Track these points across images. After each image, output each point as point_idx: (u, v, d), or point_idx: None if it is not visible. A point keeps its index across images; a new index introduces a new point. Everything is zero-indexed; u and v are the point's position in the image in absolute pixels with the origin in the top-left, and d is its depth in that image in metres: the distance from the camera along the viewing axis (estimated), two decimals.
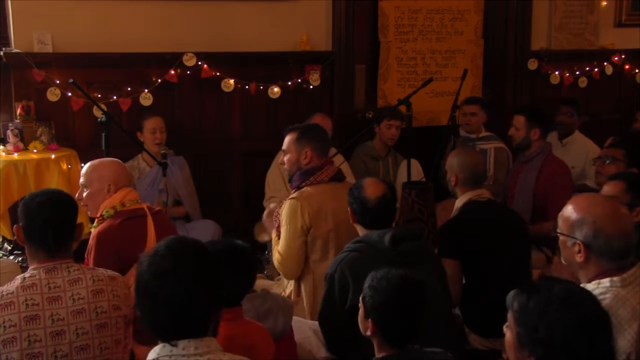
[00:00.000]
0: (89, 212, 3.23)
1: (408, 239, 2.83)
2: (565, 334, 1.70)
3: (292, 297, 3.43)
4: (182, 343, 1.78)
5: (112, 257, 2.95)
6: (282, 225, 3.41)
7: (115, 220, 3.04)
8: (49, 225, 2.34)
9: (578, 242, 2.23)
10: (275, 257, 3.46)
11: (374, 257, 2.75)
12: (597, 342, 1.72)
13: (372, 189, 2.99)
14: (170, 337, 1.79)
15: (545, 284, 1.82)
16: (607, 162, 3.97)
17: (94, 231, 3.08)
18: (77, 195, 3.18)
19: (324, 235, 3.35)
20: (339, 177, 3.52)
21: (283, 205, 3.45)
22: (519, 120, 4.51)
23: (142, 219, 3.08)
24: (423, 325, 2.22)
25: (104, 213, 3.07)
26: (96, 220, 3.12)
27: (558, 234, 2.32)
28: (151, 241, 3.04)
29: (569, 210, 2.29)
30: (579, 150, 5.27)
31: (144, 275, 1.80)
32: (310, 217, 3.33)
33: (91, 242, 3.04)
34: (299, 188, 3.45)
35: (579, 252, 2.23)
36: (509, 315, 1.84)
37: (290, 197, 3.44)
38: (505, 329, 1.87)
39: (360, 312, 2.27)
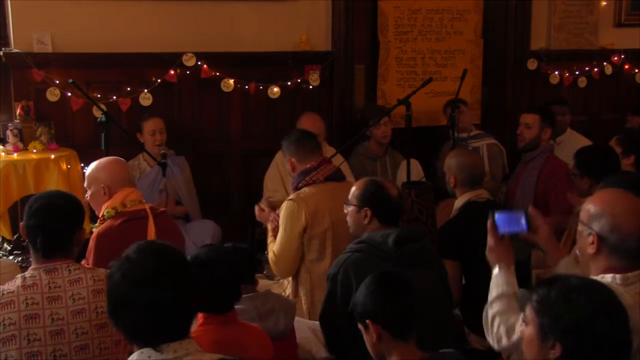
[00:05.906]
0: (96, 212, 3.26)
1: (411, 240, 2.84)
2: (590, 318, 1.72)
3: (291, 298, 3.43)
4: (161, 347, 1.76)
5: (111, 258, 2.94)
6: (280, 225, 3.44)
7: (116, 221, 3.05)
8: (42, 230, 2.34)
9: (593, 233, 2.21)
10: (270, 256, 3.51)
11: (377, 258, 2.76)
12: (619, 325, 1.74)
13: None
14: (148, 342, 1.76)
15: (561, 277, 1.84)
16: None
17: (94, 231, 3.10)
18: (85, 195, 3.25)
19: (320, 235, 3.37)
20: (336, 176, 3.53)
21: (282, 206, 3.47)
22: (534, 118, 4.52)
23: (143, 220, 3.09)
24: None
25: (104, 213, 3.08)
26: (98, 220, 3.15)
27: (580, 222, 2.29)
28: None
29: (591, 201, 2.27)
30: (572, 148, 5.23)
31: (119, 284, 1.77)
32: (308, 218, 3.36)
33: (91, 242, 3.06)
34: (297, 189, 3.49)
35: (592, 243, 2.21)
36: (527, 310, 1.83)
37: (288, 198, 3.48)
38: (521, 326, 1.87)
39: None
